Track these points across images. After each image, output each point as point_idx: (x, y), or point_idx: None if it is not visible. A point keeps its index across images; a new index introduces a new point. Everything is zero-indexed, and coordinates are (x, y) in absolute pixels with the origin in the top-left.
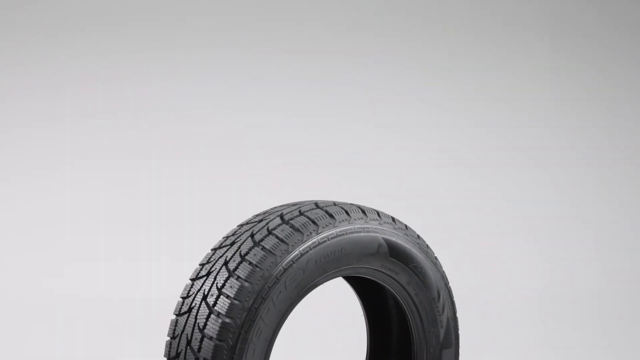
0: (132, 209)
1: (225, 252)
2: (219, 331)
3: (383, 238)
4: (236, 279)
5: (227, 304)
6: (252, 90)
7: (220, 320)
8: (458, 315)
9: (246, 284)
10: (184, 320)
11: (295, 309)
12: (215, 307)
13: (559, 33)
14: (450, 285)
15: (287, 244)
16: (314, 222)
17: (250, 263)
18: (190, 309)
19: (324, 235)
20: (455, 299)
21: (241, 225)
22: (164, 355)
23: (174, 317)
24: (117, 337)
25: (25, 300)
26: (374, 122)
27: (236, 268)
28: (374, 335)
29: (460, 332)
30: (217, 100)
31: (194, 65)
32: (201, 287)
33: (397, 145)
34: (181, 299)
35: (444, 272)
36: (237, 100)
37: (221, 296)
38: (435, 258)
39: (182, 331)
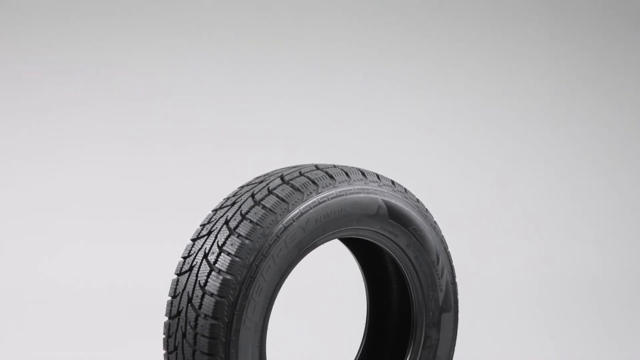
0: (123, 194)
1: (226, 212)
2: (220, 287)
3: (383, 200)
4: (237, 237)
5: (228, 261)
6: (247, 75)
7: (221, 277)
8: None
9: (247, 241)
10: (185, 279)
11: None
12: (216, 265)
13: (559, 21)
14: (449, 250)
15: (287, 202)
16: (314, 182)
17: (250, 221)
18: (191, 268)
19: (324, 195)
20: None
21: (242, 187)
22: (165, 315)
23: (175, 276)
24: (114, 323)
25: (17, 285)
26: (372, 109)
27: (237, 226)
28: (373, 299)
29: (458, 318)
30: (207, 85)
31: (188, 48)
32: (202, 246)
33: (394, 132)
34: (182, 259)
35: (443, 236)
36: (229, 86)
37: (222, 254)
38: (435, 222)
39: (183, 289)
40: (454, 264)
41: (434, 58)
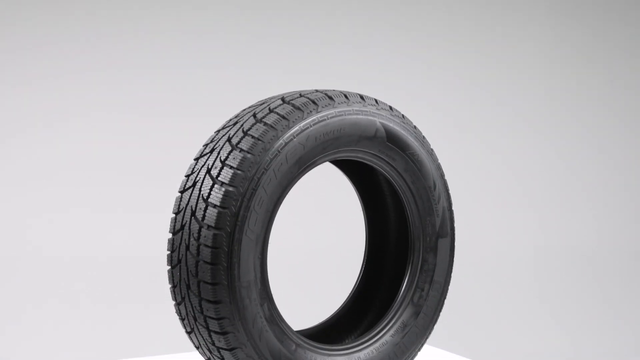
0: (110, 161)
1: (228, 131)
2: (222, 199)
3: (380, 122)
4: (239, 152)
5: (230, 174)
6: (248, 39)
7: (223, 189)
8: (454, 272)
9: (248, 155)
10: (188, 195)
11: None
12: (219, 178)
13: None
14: (445, 177)
15: (287, 120)
16: (314, 102)
17: (252, 137)
18: (194, 184)
19: (324, 114)
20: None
21: (244, 109)
22: (169, 231)
23: (178, 194)
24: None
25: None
26: (373, 81)
27: (239, 142)
28: (372, 226)
29: (455, 288)
30: (198, 54)
31: (181, 20)
32: (205, 162)
33: (391, 103)
34: (185, 177)
35: (439, 164)
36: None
37: (225, 167)
38: (431, 150)
39: (187, 204)
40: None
41: (432, 28)
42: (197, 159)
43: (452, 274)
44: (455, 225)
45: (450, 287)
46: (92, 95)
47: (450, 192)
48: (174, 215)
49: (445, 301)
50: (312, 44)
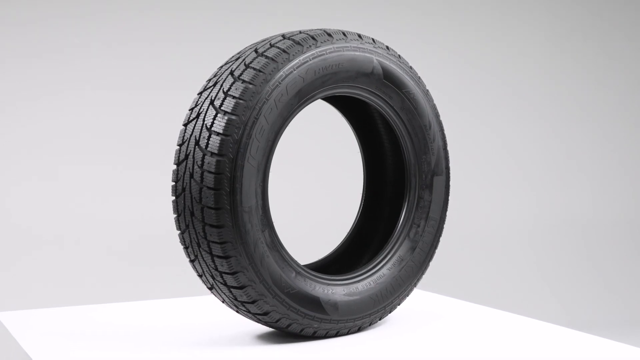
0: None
1: (231, 65)
2: (225, 126)
3: (377, 60)
4: (241, 83)
5: (233, 103)
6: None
7: (226, 118)
8: (453, 251)
9: (250, 85)
10: (192, 126)
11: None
12: (222, 107)
13: None
14: (440, 118)
15: (288, 53)
16: (313, 37)
17: (254, 69)
18: (198, 115)
19: (322, 49)
20: (449, 230)
21: (246, 47)
22: (174, 163)
23: (182, 127)
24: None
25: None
26: None
27: (241, 74)
28: (369, 164)
29: (454, 263)
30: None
31: None
32: (208, 95)
33: None
34: (189, 111)
35: (434, 104)
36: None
37: (227, 98)
38: (427, 90)
39: (191, 134)
40: (451, 213)
41: (431, 9)
42: (200, 93)
43: (450, 248)
44: (450, 164)
45: (446, 257)
46: (83, 69)
47: (450, 160)
48: (178, 147)
49: (441, 265)
50: (300, 19)
